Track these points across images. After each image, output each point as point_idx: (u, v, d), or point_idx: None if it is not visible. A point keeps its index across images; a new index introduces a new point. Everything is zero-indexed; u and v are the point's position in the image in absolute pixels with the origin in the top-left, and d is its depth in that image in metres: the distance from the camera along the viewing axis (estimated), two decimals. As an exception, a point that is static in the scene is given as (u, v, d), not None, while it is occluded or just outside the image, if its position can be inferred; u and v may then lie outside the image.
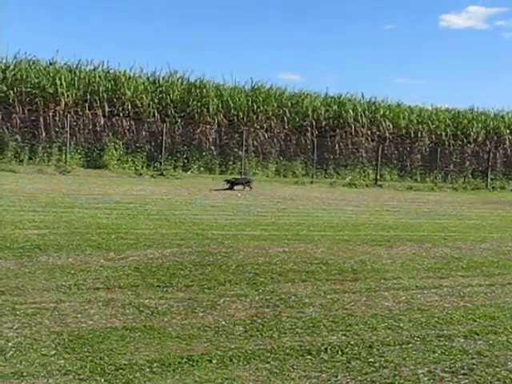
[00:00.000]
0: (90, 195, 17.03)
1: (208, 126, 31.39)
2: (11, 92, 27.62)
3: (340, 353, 5.03)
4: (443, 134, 37.51)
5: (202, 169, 30.35)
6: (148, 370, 4.46)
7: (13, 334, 5.05)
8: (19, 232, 9.95)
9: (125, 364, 4.54)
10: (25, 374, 4.25)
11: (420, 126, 37.13)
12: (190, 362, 4.63)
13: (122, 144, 29.18)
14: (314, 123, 34.05)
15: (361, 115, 35.38)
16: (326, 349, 5.10)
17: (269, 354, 4.91)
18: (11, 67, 28.94)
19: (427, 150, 37.00)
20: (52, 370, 4.34)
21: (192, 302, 6.35)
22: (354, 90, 43.83)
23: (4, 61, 29.26)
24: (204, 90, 32.01)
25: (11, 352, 4.64)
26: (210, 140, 31.34)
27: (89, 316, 5.67)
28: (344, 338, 5.44)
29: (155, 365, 4.55)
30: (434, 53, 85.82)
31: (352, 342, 5.31)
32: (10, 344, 4.81)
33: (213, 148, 31.21)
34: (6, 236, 9.48)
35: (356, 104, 36.01)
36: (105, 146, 28.66)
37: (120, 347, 4.88)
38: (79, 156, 27.89)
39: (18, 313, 5.63)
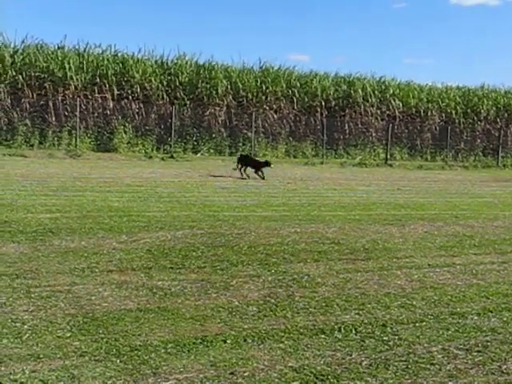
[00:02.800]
0: (100, 178, 17.07)
1: (217, 108, 31.33)
2: (20, 76, 27.60)
3: (354, 332, 5.05)
4: (453, 112, 37.32)
5: (211, 151, 30.34)
6: (163, 350, 4.48)
7: (28, 316, 5.09)
8: (32, 216, 9.99)
9: (140, 345, 4.56)
10: (41, 355, 4.28)
11: (430, 105, 36.95)
12: (205, 343, 4.65)
13: (132, 127, 29.17)
14: (323, 103, 33.92)
15: (370, 95, 35.23)
16: (339, 328, 5.11)
17: (282, 334, 4.93)
18: (19, 51, 28.92)
19: (437, 128, 36.83)
20: (68, 352, 4.37)
21: (205, 283, 6.37)
22: (364, 71, 43.57)
23: (12, 45, 29.27)
24: (213, 72, 31.90)
25: (27, 334, 4.67)
26: (220, 122, 31.28)
27: (103, 298, 5.70)
28: (357, 316, 5.46)
29: (170, 345, 4.57)
30: (445, 30, 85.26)
31: (365, 321, 5.32)
32: (25, 326, 4.84)
33: (222, 130, 31.17)
34: (19, 220, 9.52)
35: (365, 83, 35.83)
36: (114, 129, 28.67)
37: (134, 328, 4.91)
38: (89, 140, 27.90)
39: (32, 296, 5.67)
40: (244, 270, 7.06)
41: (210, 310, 5.48)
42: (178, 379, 4.00)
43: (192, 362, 4.30)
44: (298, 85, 33.80)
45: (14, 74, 27.62)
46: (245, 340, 4.76)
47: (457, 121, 37.28)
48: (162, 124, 30.07)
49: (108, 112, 29.10)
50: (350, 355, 4.53)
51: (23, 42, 29.59)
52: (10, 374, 3.97)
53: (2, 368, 4.05)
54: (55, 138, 27.36)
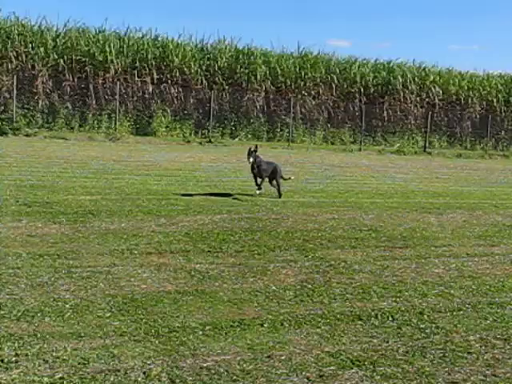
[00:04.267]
0: (139, 162, 17.22)
1: (255, 93, 31.35)
2: (61, 60, 27.94)
3: (390, 319, 5.05)
4: (494, 100, 36.77)
5: (249, 136, 30.38)
6: (201, 332, 4.54)
7: (69, 296, 5.19)
8: (72, 198, 10.14)
9: (178, 327, 4.62)
10: (82, 334, 4.37)
11: (471, 92, 36.44)
12: (242, 326, 4.70)
13: (171, 111, 29.36)
14: (362, 90, 33.72)
15: (410, 81, 34.89)
16: (376, 315, 5.12)
17: (319, 319, 4.95)
18: (61, 35, 29.24)
19: (477, 116, 36.35)
20: (108, 331, 4.45)
21: (242, 268, 6.42)
22: (406, 57, 43.08)
23: (55, 29, 29.63)
24: (252, 57, 31.89)
25: (69, 313, 4.77)
26: (258, 107, 31.30)
27: (142, 280, 5.78)
28: (394, 304, 5.45)
29: (208, 328, 4.62)
30: (489, 17, 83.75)
31: (402, 309, 5.31)
32: (67, 306, 4.94)
33: (260, 115, 31.18)
34: (60, 202, 9.67)
35: (405, 70, 35.47)
36: (153, 113, 28.89)
37: (173, 310, 4.98)
38: (128, 123, 28.17)
39: (73, 276, 5.77)
40: (281, 255, 7.09)
41: (247, 293, 5.53)
42: (215, 361, 4.05)
43: (229, 344, 4.35)
44: (337, 71, 33.61)
45: (56, 57, 27.99)
46: (282, 324, 4.80)
47: (498, 109, 36.74)
48: (200, 108, 30.20)
49: (147, 96, 29.33)
50: (387, 342, 4.54)
51: (65, 25, 30.00)
52: (53, 351, 4.06)
53: (45, 345, 4.14)
54: (95, 122, 27.68)
